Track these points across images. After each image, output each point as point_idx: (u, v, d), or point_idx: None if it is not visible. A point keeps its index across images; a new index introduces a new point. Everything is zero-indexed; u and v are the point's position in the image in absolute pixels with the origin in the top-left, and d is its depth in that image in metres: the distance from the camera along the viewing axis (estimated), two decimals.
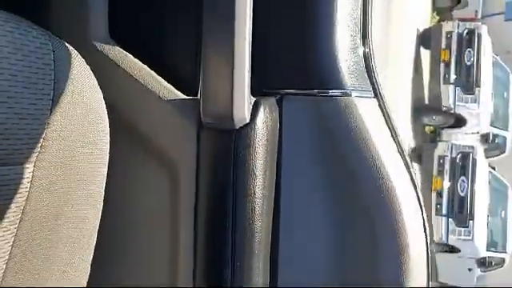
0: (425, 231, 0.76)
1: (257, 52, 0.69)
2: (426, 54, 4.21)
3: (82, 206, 0.59)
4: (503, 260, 4.49)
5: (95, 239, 0.64)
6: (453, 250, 4.08)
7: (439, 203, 4.03)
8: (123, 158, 0.68)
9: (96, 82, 0.58)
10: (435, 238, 3.95)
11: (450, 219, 4.02)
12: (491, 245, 4.38)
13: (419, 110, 4.49)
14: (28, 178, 0.49)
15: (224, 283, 0.74)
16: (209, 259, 0.75)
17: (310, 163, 0.75)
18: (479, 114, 4.23)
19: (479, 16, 5.01)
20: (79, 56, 0.57)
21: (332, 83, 0.72)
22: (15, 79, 0.48)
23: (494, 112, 4.50)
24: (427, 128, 4.70)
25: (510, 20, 4.99)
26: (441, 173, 4.10)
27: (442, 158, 4.14)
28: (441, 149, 4.21)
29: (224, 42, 0.66)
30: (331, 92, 0.73)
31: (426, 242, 0.77)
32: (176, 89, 0.72)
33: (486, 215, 4.20)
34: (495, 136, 4.49)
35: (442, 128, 4.45)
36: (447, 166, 4.09)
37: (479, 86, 4.16)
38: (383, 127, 0.72)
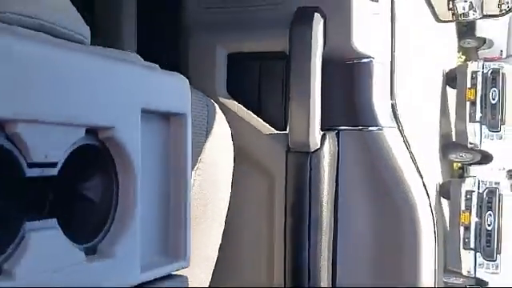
0: (433, 221, 1.23)
1: (322, 103, 1.17)
2: (452, 93, 4.69)
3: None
4: None
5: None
6: (481, 283, 4.44)
7: (467, 237, 4.41)
8: (236, 172, 1.02)
9: (227, 123, 0.96)
10: (463, 272, 4.32)
11: (477, 253, 4.40)
12: None
13: (447, 147, 4.91)
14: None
15: (304, 280, 1.16)
16: (294, 258, 1.19)
17: (359, 180, 1.22)
18: (505, 150, 4.65)
19: (504, 56, 5.49)
20: (216, 105, 0.94)
21: (372, 122, 1.21)
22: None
23: None
24: (455, 164, 5.12)
25: None
26: (468, 208, 4.49)
27: (469, 193, 4.54)
28: (468, 184, 4.61)
29: (303, 97, 1.15)
30: (370, 128, 1.21)
31: (434, 230, 1.24)
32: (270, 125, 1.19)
33: None
34: None
35: (469, 164, 4.85)
36: (474, 201, 4.50)
37: (504, 124, 4.59)
38: (405, 153, 1.20)
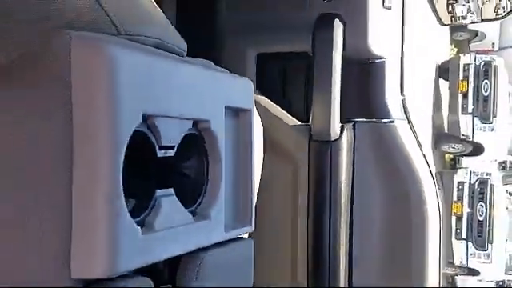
0: (438, 204, 1.44)
1: (341, 98, 1.39)
2: (444, 86, 4.96)
3: None
4: None
5: None
6: (473, 272, 4.72)
7: (459, 227, 4.68)
8: (265, 159, 1.25)
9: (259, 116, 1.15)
10: (456, 262, 4.60)
11: (469, 243, 4.68)
12: (510, 268, 5.01)
13: (439, 138, 5.17)
14: None
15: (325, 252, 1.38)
16: (315, 235, 1.41)
17: (373, 166, 1.45)
18: (496, 142, 4.92)
19: (496, 48, 5.77)
20: None
21: (384, 114, 1.43)
22: None
23: (510, 140, 5.18)
24: (447, 156, 5.40)
25: None
26: (460, 198, 4.77)
27: (461, 184, 4.82)
28: (460, 175, 4.89)
29: (325, 93, 1.38)
30: (383, 120, 1.43)
31: (439, 212, 1.46)
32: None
33: (505, 239, 4.85)
34: None
35: (461, 155, 5.14)
36: (466, 192, 4.77)
37: (496, 116, 4.86)
38: (414, 143, 1.42)
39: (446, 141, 5.39)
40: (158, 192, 0.66)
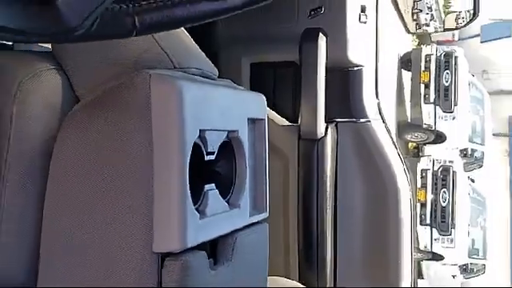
0: (411, 195, 1.73)
1: (325, 101, 1.68)
2: (407, 76, 5.34)
3: None
4: (484, 266, 5.60)
5: None
6: (437, 257, 5.15)
7: (423, 214, 5.11)
8: None
9: None
10: (420, 246, 5.02)
11: (433, 228, 5.10)
12: (473, 252, 5.48)
13: (402, 127, 5.57)
14: None
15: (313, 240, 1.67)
16: (305, 221, 1.70)
17: (354, 160, 1.73)
18: (458, 130, 5.35)
19: (456, 38, 6.21)
20: None
21: (362, 115, 1.72)
22: None
23: (471, 128, 5.62)
24: (410, 144, 5.81)
25: (485, 42, 6.18)
26: (424, 185, 5.19)
27: (424, 171, 5.25)
28: (423, 163, 5.32)
29: (311, 97, 1.66)
30: (361, 120, 1.73)
31: (411, 203, 1.75)
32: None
33: (467, 224, 5.29)
34: (473, 151, 5.63)
35: (424, 144, 5.56)
36: (429, 179, 5.20)
37: (457, 105, 5.30)
38: (389, 140, 1.72)
39: (409, 130, 5.82)
40: (206, 187, 0.94)
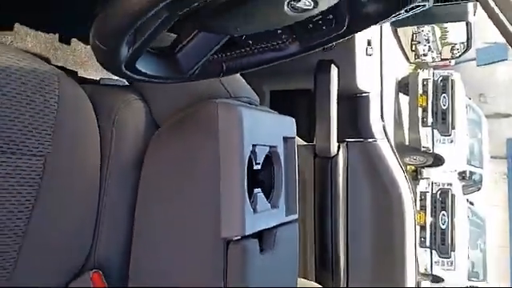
0: (414, 212, 2.10)
1: (337, 124, 2.07)
2: (404, 100, 5.76)
3: None
4: None
5: None
6: (437, 279, 5.51)
7: (423, 236, 5.48)
8: None
9: None
10: (421, 269, 5.38)
11: (433, 251, 5.47)
12: (472, 275, 5.85)
13: (401, 150, 5.95)
14: None
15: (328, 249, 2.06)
16: (320, 229, 2.08)
17: (362, 175, 2.10)
18: (456, 153, 5.76)
19: (453, 63, 6.65)
20: None
21: (369, 135, 2.11)
22: None
23: (469, 151, 6.03)
24: (409, 167, 6.21)
25: (481, 65, 6.64)
26: (423, 208, 5.57)
27: (423, 194, 5.64)
28: (422, 186, 5.71)
29: (325, 120, 2.05)
30: (368, 140, 2.11)
31: (414, 219, 2.11)
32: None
33: (467, 247, 5.67)
34: (472, 173, 6.03)
35: (423, 167, 5.95)
36: (428, 202, 5.58)
37: (454, 128, 5.71)
38: (393, 157, 2.09)
39: (408, 153, 6.25)
40: (255, 190, 1.31)
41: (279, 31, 1.10)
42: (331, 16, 1.04)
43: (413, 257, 2.20)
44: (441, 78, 5.77)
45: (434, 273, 5.64)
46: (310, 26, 1.06)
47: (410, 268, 2.18)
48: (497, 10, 1.66)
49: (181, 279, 1.28)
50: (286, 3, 0.85)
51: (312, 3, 0.87)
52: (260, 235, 1.39)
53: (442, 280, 5.67)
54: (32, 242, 1.18)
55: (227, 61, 1.10)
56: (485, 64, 6.87)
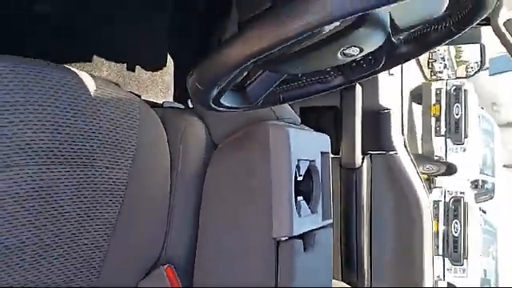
0: (431, 217, 2.40)
1: (362, 137, 2.37)
2: (417, 109, 6.05)
3: None
4: None
5: None
6: (450, 286, 5.79)
7: (436, 244, 5.77)
8: None
9: None
10: (434, 277, 5.64)
11: (446, 258, 5.75)
12: (485, 282, 6.13)
13: (414, 159, 6.23)
14: None
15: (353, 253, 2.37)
16: (346, 231, 2.39)
17: (385, 186, 2.40)
18: (468, 162, 6.04)
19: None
20: None
21: (391, 148, 2.41)
22: None
23: (482, 160, 6.32)
24: (422, 176, 6.48)
25: (494, 75, 6.92)
26: (436, 216, 5.85)
27: (436, 202, 5.93)
28: (435, 194, 6.00)
29: (351, 134, 2.36)
30: (389, 152, 2.41)
31: (432, 227, 2.42)
32: None
33: (479, 255, 5.95)
34: (484, 182, 6.31)
35: (436, 176, 6.24)
36: (441, 210, 5.87)
37: (467, 137, 5.99)
38: (413, 169, 2.39)
39: (421, 162, 6.55)
40: (298, 198, 1.60)
41: (328, 69, 1.39)
42: (371, 57, 1.32)
43: (430, 260, 2.49)
44: (454, 88, 6.06)
45: (446, 280, 5.91)
46: (353, 64, 1.35)
47: (428, 270, 2.47)
48: (508, 37, 1.95)
49: (239, 273, 1.57)
50: (339, 52, 1.15)
51: (359, 50, 1.17)
52: (302, 237, 1.68)
53: (455, 287, 5.95)
54: (116, 243, 1.48)
55: (283, 92, 1.41)
56: (497, 73, 7.15)
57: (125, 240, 1.51)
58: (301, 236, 1.67)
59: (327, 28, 1.05)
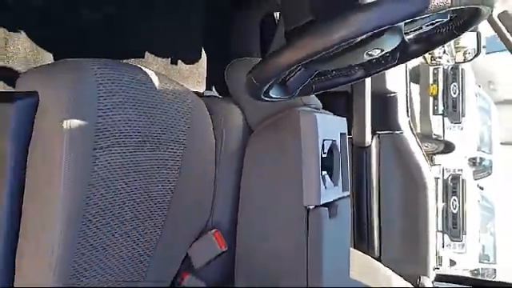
0: (435, 196, 2.79)
1: (371, 118, 2.74)
2: (415, 89, 6.43)
3: None
4: (495, 271, 6.67)
5: None
6: (449, 263, 6.21)
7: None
8: None
9: None
10: None
11: (445, 235, 6.17)
12: (483, 257, 6.56)
13: None
14: None
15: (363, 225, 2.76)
16: (358, 205, 2.77)
17: (392, 163, 2.78)
18: (466, 140, 6.44)
19: None
20: None
21: (398, 128, 2.80)
22: None
23: (479, 138, 6.72)
24: None
25: (491, 53, 7.30)
26: (435, 194, 6.24)
27: (435, 180, 6.31)
28: (434, 172, 6.40)
29: (361, 115, 2.74)
30: (396, 132, 2.79)
31: (436, 203, 2.81)
32: None
33: (478, 230, 6.37)
34: (482, 159, 6.73)
35: (434, 154, 6.64)
36: (440, 187, 6.27)
37: (465, 116, 6.38)
38: (417, 147, 2.77)
39: (420, 140, 6.84)
40: (323, 173, 1.97)
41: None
42: (388, 54, 1.68)
43: (434, 232, 2.88)
44: (451, 67, 6.44)
45: (445, 256, 6.33)
46: (374, 60, 1.71)
47: (432, 242, 2.86)
48: (502, 28, 2.33)
49: (275, 236, 1.95)
50: (365, 53, 1.50)
51: (380, 51, 1.53)
52: (327, 205, 2.05)
53: (454, 263, 6.38)
54: (173, 211, 1.86)
55: (315, 84, 1.77)
56: (494, 52, 7.53)
57: (180, 208, 1.88)
58: (325, 205, 2.03)
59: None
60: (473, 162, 6.82)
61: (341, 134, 2.21)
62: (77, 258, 1.49)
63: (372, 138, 2.81)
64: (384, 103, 2.84)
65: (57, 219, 1.44)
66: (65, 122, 1.42)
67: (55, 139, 1.45)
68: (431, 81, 6.45)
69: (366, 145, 2.80)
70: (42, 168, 1.48)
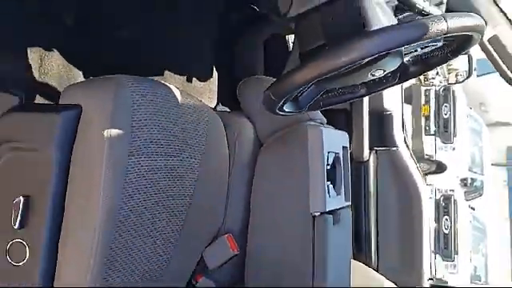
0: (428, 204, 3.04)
1: (369, 135, 2.99)
2: (407, 109, 6.70)
3: None
4: None
5: None
6: (441, 283, 6.43)
7: None
8: None
9: None
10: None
11: (437, 255, 6.40)
12: (475, 278, 6.79)
13: None
14: None
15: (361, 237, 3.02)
16: (357, 218, 3.04)
17: (388, 177, 3.03)
18: (458, 160, 6.70)
19: None
20: None
21: (394, 144, 3.05)
22: None
23: (470, 159, 6.99)
24: None
25: (482, 76, 7.59)
26: None
27: None
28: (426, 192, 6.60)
29: (360, 132, 2.98)
30: (392, 148, 3.04)
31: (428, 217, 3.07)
32: None
33: (469, 251, 6.60)
34: (473, 180, 6.98)
35: (426, 174, 6.88)
36: (432, 207, 6.51)
37: (456, 136, 6.64)
38: (412, 162, 3.02)
39: None
40: (327, 183, 2.21)
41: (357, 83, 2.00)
42: (389, 74, 1.92)
43: (428, 242, 3.11)
44: (442, 88, 6.72)
45: (437, 276, 6.55)
46: (376, 80, 1.95)
47: (426, 251, 3.09)
48: (493, 53, 2.60)
49: (283, 241, 2.18)
50: (369, 73, 1.74)
51: (382, 71, 1.77)
52: (331, 213, 2.27)
53: (446, 283, 6.59)
54: (191, 215, 2.07)
55: (324, 100, 2.01)
56: (485, 74, 7.82)
57: (197, 215, 2.11)
58: (329, 213, 2.26)
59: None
60: (464, 182, 7.07)
61: (343, 147, 2.45)
62: (111, 257, 1.65)
63: (370, 154, 3.05)
64: (381, 121, 3.10)
65: (96, 220, 1.57)
66: (106, 131, 1.65)
67: (97, 146, 1.67)
68: (423, 101, 6.72)
69: (365, 160, 3.05)
70: (83, 172, 1.70)
